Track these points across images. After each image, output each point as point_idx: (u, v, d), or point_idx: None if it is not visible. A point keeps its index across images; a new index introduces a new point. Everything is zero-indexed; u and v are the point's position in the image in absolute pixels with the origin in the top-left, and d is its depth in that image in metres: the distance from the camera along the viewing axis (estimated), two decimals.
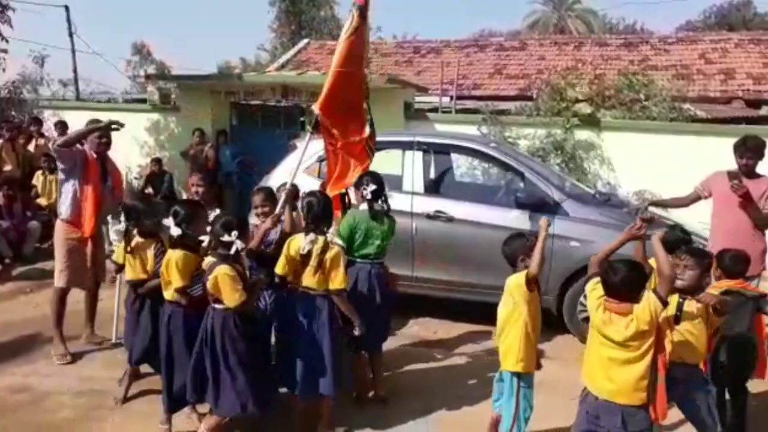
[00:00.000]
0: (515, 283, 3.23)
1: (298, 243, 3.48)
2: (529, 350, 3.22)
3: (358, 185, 4.15)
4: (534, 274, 3.14)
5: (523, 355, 3.20)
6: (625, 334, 2.69)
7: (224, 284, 3.16)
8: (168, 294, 3.50)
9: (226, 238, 3.23)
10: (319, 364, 3.47)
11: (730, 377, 3.60)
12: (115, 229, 4.42)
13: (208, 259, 3.33)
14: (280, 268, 3.54)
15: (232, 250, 3.23)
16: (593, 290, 2.87)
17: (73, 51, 15.50)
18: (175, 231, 3.44)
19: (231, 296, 3.17)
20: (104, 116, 11.25)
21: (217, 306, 3.27)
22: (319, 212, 3.56)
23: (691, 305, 3.13)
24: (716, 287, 3.53)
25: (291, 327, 3.56)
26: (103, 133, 4.80)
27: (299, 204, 3.88)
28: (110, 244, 5.21)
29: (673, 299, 3.02)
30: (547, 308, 5.02)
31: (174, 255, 3.44)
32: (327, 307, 3.51)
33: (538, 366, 3.39)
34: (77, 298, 5.03)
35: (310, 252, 3.43)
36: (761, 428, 3.85)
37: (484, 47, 16.69)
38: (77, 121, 9.73)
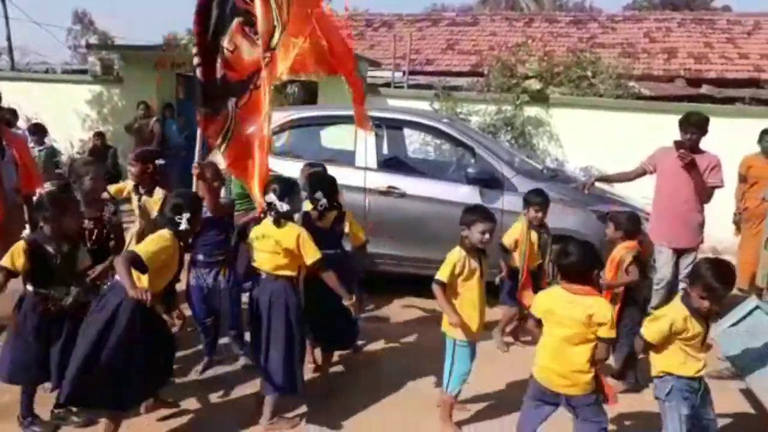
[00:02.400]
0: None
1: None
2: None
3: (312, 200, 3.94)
4: None
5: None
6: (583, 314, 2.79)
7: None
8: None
9: (177, 219, 3.20)
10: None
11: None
12: None
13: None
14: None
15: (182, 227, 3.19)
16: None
17: (6, 17, 14.68)
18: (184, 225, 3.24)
19: None
20: (42, 88, 10.88)
21: None
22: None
23: None
24: (623, 249, 3.89)
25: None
26: None
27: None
28: None
29: None
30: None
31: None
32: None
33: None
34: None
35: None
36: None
37: (436, 22, 16.63)
38: (12, 92, 9.30)
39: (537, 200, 4.62)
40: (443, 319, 3.46)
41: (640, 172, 5.07)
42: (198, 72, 3.89)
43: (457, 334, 3.39)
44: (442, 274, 3.34)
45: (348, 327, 3.97)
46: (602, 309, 2.81)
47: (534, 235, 4.61)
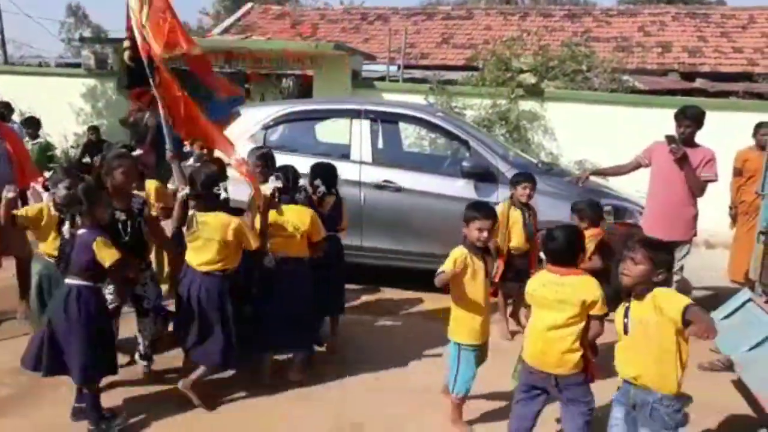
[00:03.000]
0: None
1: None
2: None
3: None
4: None
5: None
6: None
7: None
8: None
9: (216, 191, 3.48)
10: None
11: None
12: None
13: None
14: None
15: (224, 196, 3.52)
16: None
17: None
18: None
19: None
20: (36, 81, 10.81)
21: None
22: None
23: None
24: (587, 237, 3.88)
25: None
26: None
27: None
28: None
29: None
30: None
31: None
32: None
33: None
34: (12, 273, 4.84)
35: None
36: None
37: (431, 15, 16.62)
38: (5, 86, 9.28)
39: (522, 178, 4.76)
40: (450, 325, 3.42)
41: (635, 165, 5.08)
42: (126, 55, 4.08)
43: (461, 339, 3.35)
44: (443, 267, 3.27)
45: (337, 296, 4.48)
46: (591, 288, 2.84)
47: (518, 214, 4.67)
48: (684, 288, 5.56)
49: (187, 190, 3.62)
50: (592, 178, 5.55)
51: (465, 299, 3.32)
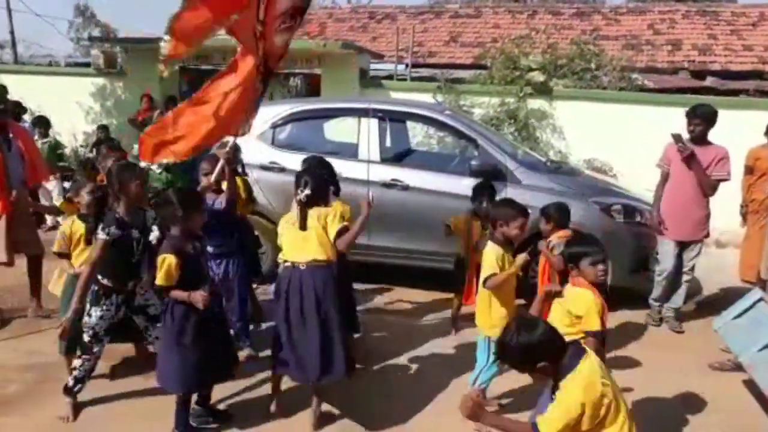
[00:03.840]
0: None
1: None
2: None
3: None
4: None
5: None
6: None
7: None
8: None
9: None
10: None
11: None
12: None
13: None
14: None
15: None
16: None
17: (9, 10, 14.69)
18: None
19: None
20: (45, 81, 10.87)
21: None
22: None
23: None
24: (555, 239, 3.95)
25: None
26: None
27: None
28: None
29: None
30: None
31: None
32: None
33: None
34: (24, 270, 4.88)
35: None
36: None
37: (439, 14, 16.58)
38: (16, 85, 9.32)
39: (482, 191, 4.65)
40: (480, 319, 3.45)
41: (665, 176, 4.99)
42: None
43: (494, 332, 3.26)
44: (490, 270, 3.30)
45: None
46: (577, 300, 2.83)
47: (478, 225, 4.56)
48: (694, 288, 5.54)
49: None
50: (602, 176, 5.53)
51: (499, 294, 3.37)
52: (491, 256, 3.35)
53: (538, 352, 2.17)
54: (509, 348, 2.22)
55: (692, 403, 3.84)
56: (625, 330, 4.94)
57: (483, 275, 3.37)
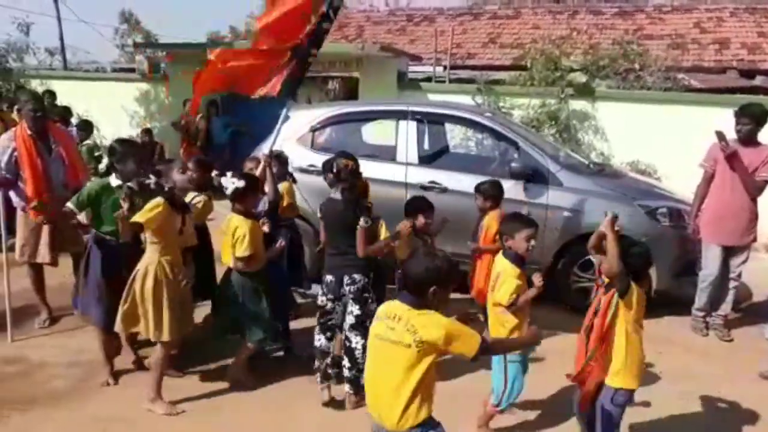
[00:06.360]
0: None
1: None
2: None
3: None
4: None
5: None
6: None
7: None
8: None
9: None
10: None
11: None
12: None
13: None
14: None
15: None
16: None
17: (59, 18, 15.18)
18: None
19: None
20: (92, 86, 11.20)
21: None
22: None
23: None
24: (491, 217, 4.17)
25: None
26: (36, 106, 4.60)
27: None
28: None
29: None
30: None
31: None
32: None
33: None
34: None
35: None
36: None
37: (478, 15, 16.48)
38: (65, 90, 9.63)
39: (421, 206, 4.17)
40: (491, 330, 3.33)
41: (709, 179, 4.81)
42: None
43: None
44: (512, 291, 3.17)
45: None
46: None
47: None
48: (742, 295, 5.34)
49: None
50: (646, 179, 5.39)
51: (517, 311, 3.25)
52: (508, 274, 3.22)
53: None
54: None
55: (742, 412, 3.72)
56: (672, 338, 4.79)
57: (499, 297, 3.21)
